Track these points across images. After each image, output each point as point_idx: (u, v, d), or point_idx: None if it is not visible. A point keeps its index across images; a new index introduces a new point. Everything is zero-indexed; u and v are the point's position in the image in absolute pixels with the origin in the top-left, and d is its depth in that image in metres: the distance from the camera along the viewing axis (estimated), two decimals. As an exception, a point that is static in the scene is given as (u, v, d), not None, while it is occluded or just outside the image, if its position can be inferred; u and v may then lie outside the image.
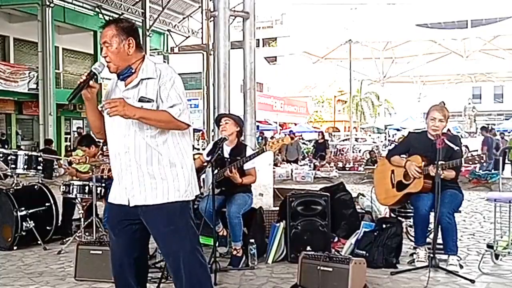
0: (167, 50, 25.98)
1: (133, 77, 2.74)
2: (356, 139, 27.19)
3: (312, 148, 18.00)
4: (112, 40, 2.68)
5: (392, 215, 5.25)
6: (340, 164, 16.10)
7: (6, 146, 15.46)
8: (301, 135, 28.81)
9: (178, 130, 2.75)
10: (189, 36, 26.12)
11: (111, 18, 3.07)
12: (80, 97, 2.74)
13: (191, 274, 2.72)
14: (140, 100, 2.69)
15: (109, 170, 5.81)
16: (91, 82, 2.70)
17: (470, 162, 4.40)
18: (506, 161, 14.89)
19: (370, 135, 33.33)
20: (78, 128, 18.77)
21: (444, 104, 4.70)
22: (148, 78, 2.72)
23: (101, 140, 6.40)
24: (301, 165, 15.33)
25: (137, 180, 2.71)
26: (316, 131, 25.77)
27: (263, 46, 46.02)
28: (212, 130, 7.80)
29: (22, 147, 19.77)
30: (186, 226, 2.74)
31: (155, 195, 2.70)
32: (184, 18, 26.12)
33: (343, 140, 26.81)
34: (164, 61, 24.60)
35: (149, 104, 2.68)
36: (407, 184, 4.63)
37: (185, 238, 2.72)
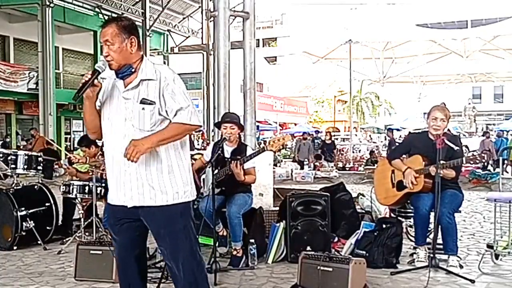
0: (167, 50, 25.98)
1: (132, 77, 2.71)
2: (344, 139, 27.14)
3: (319, 149, 17.48)
4: (114, 39, 2.64)
5: (392, 215, 5.25)
6: (340, 164, 16.09)
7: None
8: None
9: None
10: (189, 36, 26.13)
11: (110, 16, 3.01)
12: (81, 97, 2.73)
13: (189, 275, 2.73)
14: (141, 102, 2.66)
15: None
16: (95, 81, 2.67)
17: (471, 162, 4.40)
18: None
19: (370, 135, 33.33)
20: (31, 129, 17.70)
21: (445, 105, 4.70)
22: (149, 80, 2.69)
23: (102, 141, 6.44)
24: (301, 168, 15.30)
25: (135, 182, 2.69)
26: (317, 131, 25.67)
27: (263, 46, 46.01)
28: (212, 130, 7.80)
29: (22, 147, 19.75)
30: (186, 227, 2.74)
31: (154, 198, 2.68)
32: (184, 18, 26.14)
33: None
34: (164, 61, 24.61)
35: (150, 106, 2.65)
36: (407, 184, 4.63)
37: (185, 239, 2.72)
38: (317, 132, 24.22)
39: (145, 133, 2.65)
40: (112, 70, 2.71)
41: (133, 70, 2.71)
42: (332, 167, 14.90)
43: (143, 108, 2.66)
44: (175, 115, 2.65)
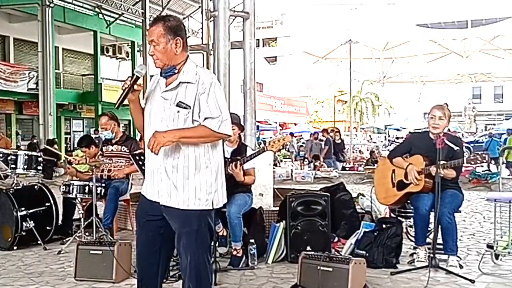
0: (167, 50, 25.95)
1: (174, 78, 2.74)
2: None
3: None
4: (159, 40, 2.68)
5: (392, 215, 5.25)
6: (340, 164, 16.07)
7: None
8: (301, 135, 28.80)
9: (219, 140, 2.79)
10: (189, 36, 26.04)
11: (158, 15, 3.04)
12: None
13: (196, 276, 2.75)
14: (177, 105, 2.69)
15: (109, 170, 5.83)
16: (135, 86, 2.72)
17: (472, 162, 4.39)
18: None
19: (370, 135, 33.37)
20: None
21: (447, 105, 4.70)
22: (188, 82, 2.71)
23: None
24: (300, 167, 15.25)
25: (165, 181, 2.74)
26: (332, 130, 25.46)
27: (263, 46, 46.01)
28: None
29: (21, 147, 19.74)
30: (200, 230, 2.75)
31: (175, 200, 2.72)
32: (184, 18, 26.07)
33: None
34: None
35: (185, 110, 2.68)
36: (407, 183, 4.62)
37: (197, 241, 2.73)
38: (332, 131, 24.01)
39: None
40: (158, 67, 2.75)
41: (176, 71, 2.74)
42: (343, 167, 14.77)
43: (178, 111, 2.69)
44: (205, 119, 2.68)
